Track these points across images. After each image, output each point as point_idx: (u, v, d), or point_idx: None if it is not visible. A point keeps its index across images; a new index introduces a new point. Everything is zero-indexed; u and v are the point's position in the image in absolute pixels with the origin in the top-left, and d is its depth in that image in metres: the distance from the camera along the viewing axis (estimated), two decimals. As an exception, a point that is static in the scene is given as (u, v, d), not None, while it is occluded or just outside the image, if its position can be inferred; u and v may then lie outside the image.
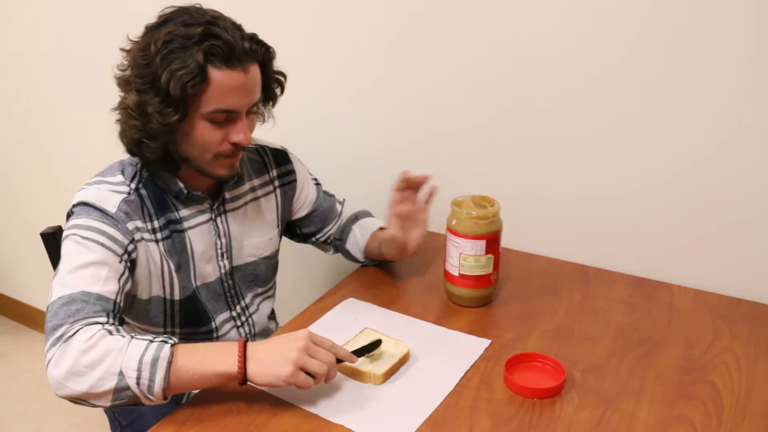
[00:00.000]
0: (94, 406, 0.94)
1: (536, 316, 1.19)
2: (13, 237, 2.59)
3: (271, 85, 1.13)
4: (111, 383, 0.89)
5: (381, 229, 1.32)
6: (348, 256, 1.37)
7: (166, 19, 1.01)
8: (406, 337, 1.10)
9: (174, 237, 1.12)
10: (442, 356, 1.07)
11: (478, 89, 1.42)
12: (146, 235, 1.08)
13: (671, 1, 1.18)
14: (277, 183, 1.28)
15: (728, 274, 1.27)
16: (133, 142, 1.05)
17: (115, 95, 2.06)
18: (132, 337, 0.92)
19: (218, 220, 1.18)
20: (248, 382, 0.92)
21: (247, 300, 1.27)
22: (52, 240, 1.26)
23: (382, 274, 1.37)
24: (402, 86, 1.52)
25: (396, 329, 1.13)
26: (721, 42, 1.16)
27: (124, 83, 1.04)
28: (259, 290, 1.29)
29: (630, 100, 1.27)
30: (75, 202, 1.06)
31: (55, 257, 1.27)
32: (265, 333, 1.32)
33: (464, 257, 1.18)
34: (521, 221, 1.46)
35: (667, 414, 0.93)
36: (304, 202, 1.33)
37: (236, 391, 0.98)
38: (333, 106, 1.62)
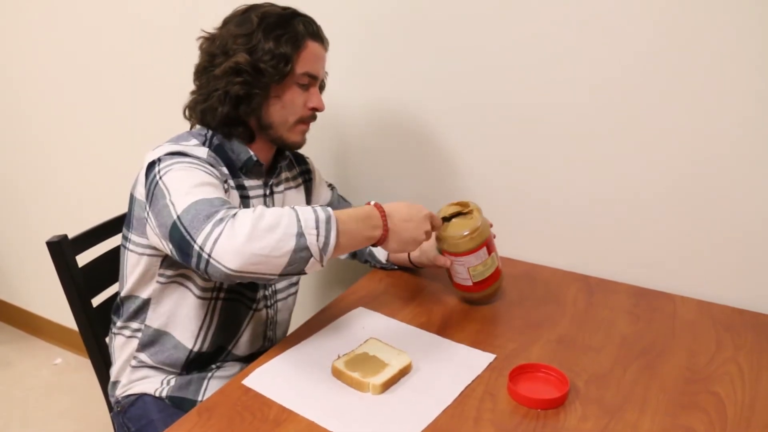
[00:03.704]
0: (265, 276, 0.95)
1: (540, 327, 1.20)
2: (18, 246, 2.60)
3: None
4: (290, 244, 0.93)
5: None
6: (370, 257, 1.44)
7: (251, 7, 1.19)
8: (410, 348, 1.10)
9: (243, 201, 1.21)
10: (444, 369, 1.07)
11: (481, 98, 1.43)
12: (231, 183, 1.19)
13: (675, 4, 1.19)
14: (301, 179, 1.40)
15: (731, 284, 1.28)
16: (234, 100, 1.16)
17: (121, 105, 2.08)
18: (291, 207, 0.99)
19: (269, 198, 1.28)
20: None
21: (279, 286, 1.34)
22: (58, 249, 1.27)
23: (388, 283, 1.38)
24: (404, 88, 1.53)
25: (401, 339, 1.14)
26: (729, 44, 1.17)
27: (221, 54, 1.16)
28: (294, 279, 1.38)
29: (633, 111, 1.28)
30: (160, 154, 1.10)
31: (60, 266, 1.28)
32: (282, 326, 1.39)
33: (473, 269, 1.20)
34: (524, 231, 1.47)
35: (670, 424, 0.93)
36: (317, 202, 1.43)
37: (241, 401, 0.99)
38: (333, 106, 1.63)
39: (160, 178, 1.06)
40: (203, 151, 1.15)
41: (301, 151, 1.42)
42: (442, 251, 1.23)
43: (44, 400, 2.28)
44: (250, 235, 0.92)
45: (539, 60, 1.34)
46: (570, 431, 0.92)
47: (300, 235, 0.94)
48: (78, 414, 2.20)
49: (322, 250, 0.96)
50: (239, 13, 1.19)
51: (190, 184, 1.03)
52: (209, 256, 0.93)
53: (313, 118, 1.24)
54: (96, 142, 2.16)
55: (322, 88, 1.31)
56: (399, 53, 1.50)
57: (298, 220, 0.95)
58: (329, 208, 0.99)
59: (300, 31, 1.16)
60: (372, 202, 1.08)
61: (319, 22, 1.23)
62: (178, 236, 0.97)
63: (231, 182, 1.18)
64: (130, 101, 2.01)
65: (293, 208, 0.98)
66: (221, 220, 0.94)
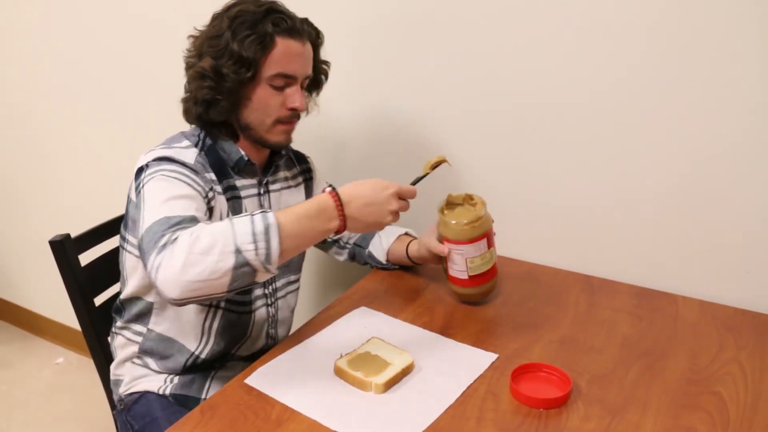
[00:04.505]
0: (211, 296, 0.94)
1: (542, 327, 1.20)
2: (20, 245, 2.61)
3: (318, 71, 1.26)
4: (229, 262, 0.91)
5: (406, 234, 1.41)
6: (370, 258, 1.43)
7: (233, 4, 1.15)
8: (412, 347, 1.10)
9: (234, 202, 1.20)
10: (447, 369, 1.07)
11: (483, 100, 1.43)
12: (218, 189, 1.17)
13: (675, 5, 1.19)
14: (301, 178, 1.39)
15: (733, 284, 1.28)
16: (204, 104, 1.16)
17: (121, 105, 2.08)
18: (229, 218, 0.96)
19: (264, 197, 1.27)
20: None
21: (278, 284, 1.33)
22: (61, 248, 1.27)
23: (390, 283, 1.38)
24: (403, 90, 1.53)
25: (403, 339, 1.14)
26: (729, 44, 1.17)
27: (195, 57, 1.16)
28: (292, 278, 1.37)
29: (636, 112, 1.28)
30: (150, 159, 1.11)
31: (63, 265, 1.28)
32: (285, 324, 1.38)
33: (471, 260, 1.20)
34: (526, 231, 1.47)
35: (672, 425, 0.93)
36: None
37: (244, 400, 0.99)
38: (328, 105, 1.63)
39: (143, 186, 1.07)
40: (191, 155, 1.14)
41: (302, 150, 1.42)
42: (442, 239, 1.22)
43: (46, 401, 2.28)
44: (185, 263, 0.90)
45: (539, 63, 1.34)
46: (572, 431, 0.92)
47: (237, 251, 0.91)
48: (80, 414, 2.20)
49: (265, 262, 0.93)
50: (222, 10, 1.16)
51: (164, 197, 1.03)
52: (155, 284, 0.93)
53: (295, 117, 1.21)
54: (97, 141, 2.16)
55: (319, 82, 1.28)
56: (400, 57, 1.50)
57: (234, 236, 0.92)
58: (270, 214, 0.95)
59: (268, 31, 1.11)
60: (328, 189, 1.03)
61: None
62: (142, 256, 0.98)
63: (218, 187, 1.17)
64: (131, 101, 2.01)
65: (231, 220, 0.95)
66: (164, 246, 0.93)
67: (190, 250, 0.90)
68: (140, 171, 1.11)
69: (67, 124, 2.22)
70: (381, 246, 1.41)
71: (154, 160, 1.11)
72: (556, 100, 1.35)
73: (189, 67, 1.18)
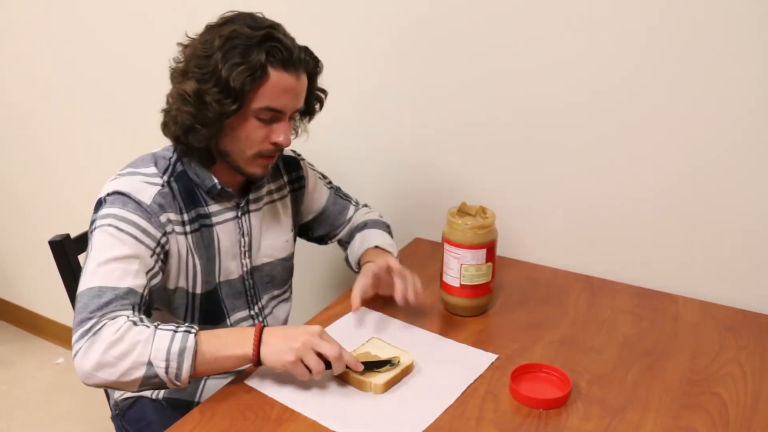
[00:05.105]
0: (121, 389, 1.02)
1: (542, 327, 1.20)
2: (20, 245, 2.61)
3: (312, 99, 1.19)
4: (140, 372, 0.95)
5: (376, 247, 1.31)
6: (348, 263, 1.40)
7: (230, 20, 1.07)
8: (412, 348, 1.10)
9: (203, 231, 1.16)
10: (446, 369, 1.07)
11: (484, 98, 1.43)
12: (177, 228, 1.12)
13: (677, 8, 1.19)
14: (289, 188, 1.33)
15: (734, 285, 1.27)
16: (183, 127, 1.08)
17: (122, 105, 2.08)
18: (156, 327, 0.97)
19: (243, 218, 1.22)
20: (261, 364, 0.99)
21: (264, 302, 1.30)
22: (60, 248, 1.27)
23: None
24: (405, 91, 1.53)
25: (403, 339, 1.14)
26: (729, 44, 1.17)
27: (180, 73, 1.08)
28: (276, 293, 1.33)
29: (636, 112, 1.28)
30: (109, 191, 1.09)
31: (63, 266, 1.28)
32: None
33: (465, 267, 1.18)
34: (527, 231, 1.47)
35: (672, 425, 0.93)
36: (312, 207, 1.38)
37: (242, 400, 0.99)
38: (334, 109, 1.63)
39: (93, 231, 1.06)
40: (150, 193, 1.08)
41: (299, 149, 1.41)
42: (444, 240, 1.21)
43: (46, 401, 2.28)
44: (99, 362, 0.94)
45: (539, 63, 1.34)
46: (572, 431, 0.92)
47: (149, 364, 0.94)
48: (80, 414, 2.20)
49: (174, 379, 0.96)
50: (216, 24, 1.07)
51: (105, 257, 1.02)
52: (74, 363, 0.96)
53: (278, 151, 1.14)
54: (97, 142, 2.16)
55: (311, 111, 1.21)
56: (399, 60, 1.50)
57: (151, 349, 0.95)
58: (191, 336, 0.96)
59: (260, 61, 1.02)
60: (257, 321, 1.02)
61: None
62: (73, 318, 1.00)
63: (177, 227, 1.11)
64: (131, 101, 2.01)
65: (157, 329, 0.96)
66: (88, 331, 0.96)
67: (108, 351, 0.94)
68: (98, 205, 1.09)
69: (67, 124, 2.22)
70: (354, 252, 1.35)
71: (113, 194, 1.07)
72: (556, 100, 1.35)
73: (173, 80, 1.10)
